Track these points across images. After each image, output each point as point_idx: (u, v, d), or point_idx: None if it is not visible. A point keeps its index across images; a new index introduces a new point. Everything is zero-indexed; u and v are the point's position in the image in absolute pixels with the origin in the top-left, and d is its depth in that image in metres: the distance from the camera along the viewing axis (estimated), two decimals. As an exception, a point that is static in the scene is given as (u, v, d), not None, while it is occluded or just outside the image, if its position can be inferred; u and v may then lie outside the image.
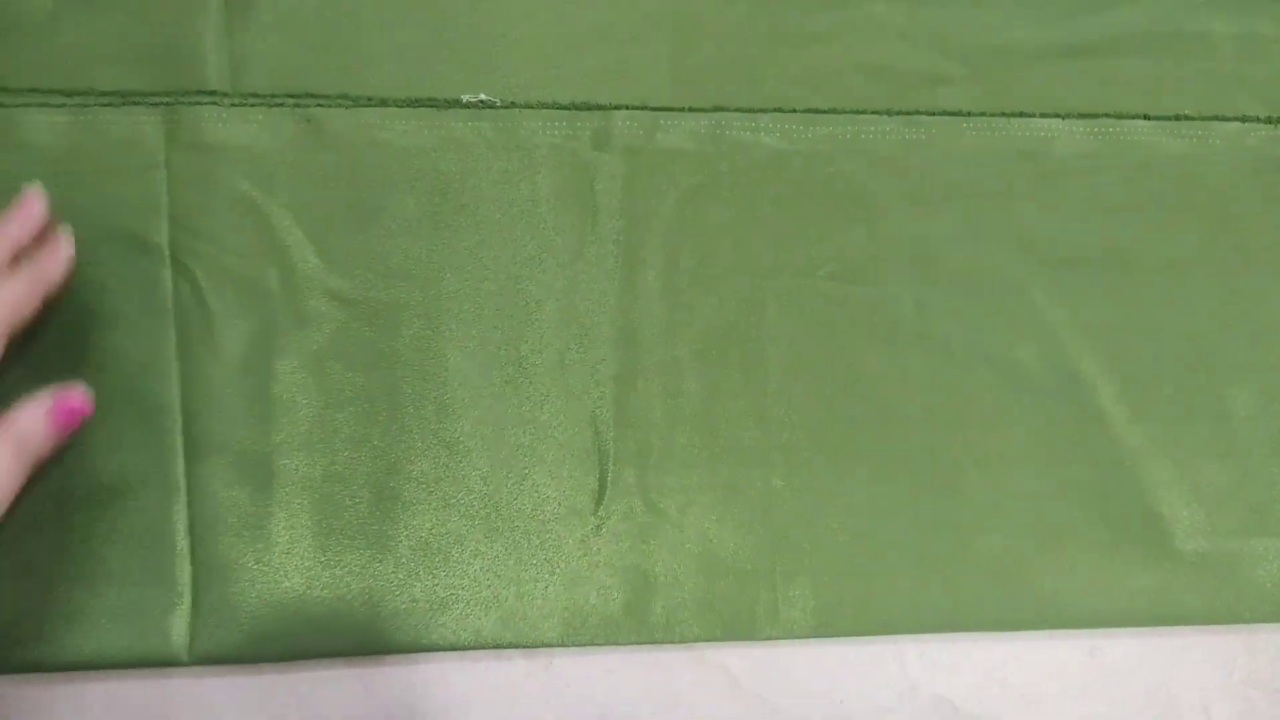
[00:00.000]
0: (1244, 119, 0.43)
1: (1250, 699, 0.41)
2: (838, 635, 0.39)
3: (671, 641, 0.38)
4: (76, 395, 0.33)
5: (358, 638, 0.36)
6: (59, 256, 0.34)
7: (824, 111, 0.41)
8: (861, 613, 0.38)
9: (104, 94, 0.38)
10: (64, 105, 0.38)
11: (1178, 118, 0.42)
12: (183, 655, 0.36)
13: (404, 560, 0.37)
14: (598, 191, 0.40)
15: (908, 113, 0.41)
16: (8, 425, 0.31)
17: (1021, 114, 0.42)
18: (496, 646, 0.37)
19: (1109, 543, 0.40)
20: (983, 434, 0.40)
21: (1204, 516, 0.40)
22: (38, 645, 0.35)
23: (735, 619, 0.38)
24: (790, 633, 0.38)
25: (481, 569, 0.37)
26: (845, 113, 0.41)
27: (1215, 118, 0.43)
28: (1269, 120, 0.43)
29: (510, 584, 0.37)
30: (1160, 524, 0.40)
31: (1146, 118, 0.42)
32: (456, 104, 0.40)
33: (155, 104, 0.38)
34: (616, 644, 0.38)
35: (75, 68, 0.38)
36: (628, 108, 0.41)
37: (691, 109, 0.41)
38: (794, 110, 0.41)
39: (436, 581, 0.37)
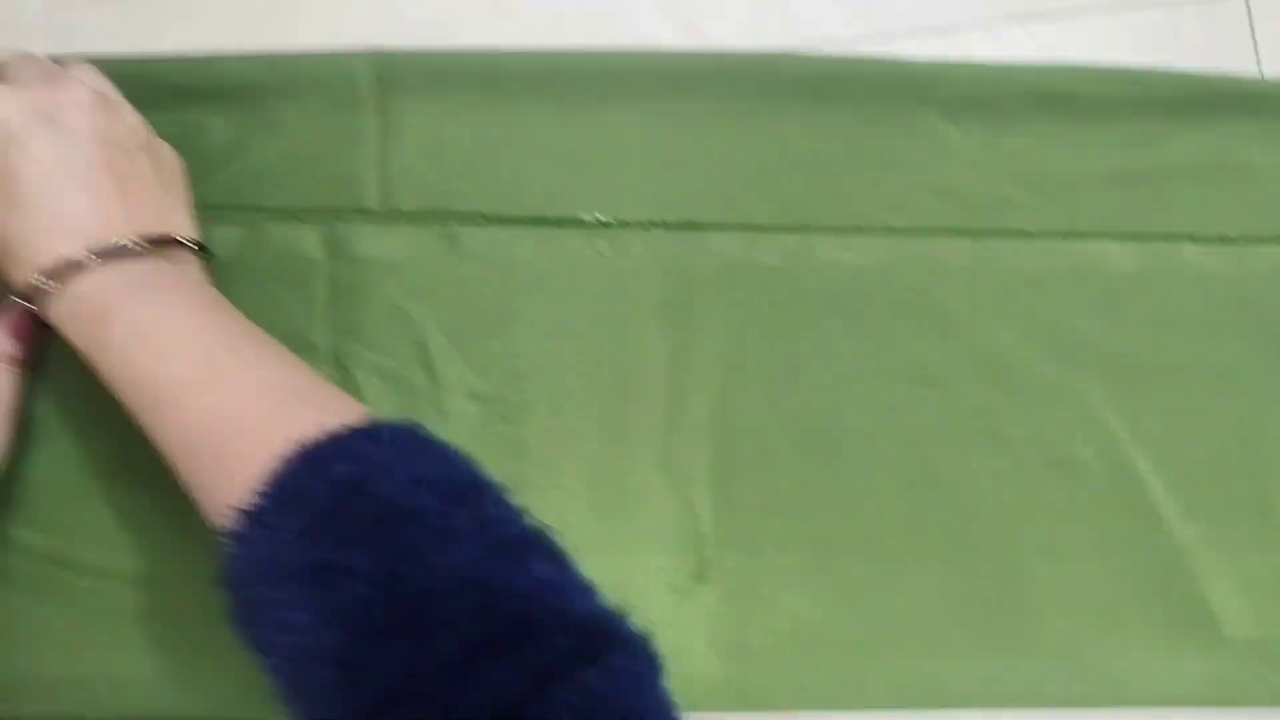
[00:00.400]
0: (1263, 240, 0.47)
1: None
2: (913, 708, 0.43)
3: (764, 709, 0.42)
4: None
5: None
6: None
7: (900, 231, 0.46)
8: (936, 688, 0.43)
9: (273, 210, 0.44)
10: (239, 221, 0.44)
11: (1222, 240, 0.47)
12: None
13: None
14: (696, 302, 0.45)
15: (977, 233, 0.46)
16: None
17: (1080, 235, 0.47)
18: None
19: (1163, 628, 0.44)
20: (1046, 526, 0.44)
21: (1251, 607, 0.44)
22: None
23: (823, 691, 0.42)
24: (871, 704, 0.42)
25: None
26: (920, 232, 0.46)
27: (1257, 240, 0.47)
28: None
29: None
30: (1210, 613, 0.44)
31: (1193, 240, 0.47)
32: (577, 222, 0.45)
33: (317, 221, 0.44)
34: (717, 711, 0.42)
35: (249, 187, 0.45)
36: (724, 227, 0.46)
37: (781, 228, 0.46)
38: (873, 230, 0.46)
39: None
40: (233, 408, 0.34)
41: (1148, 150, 0.48)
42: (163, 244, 0.37)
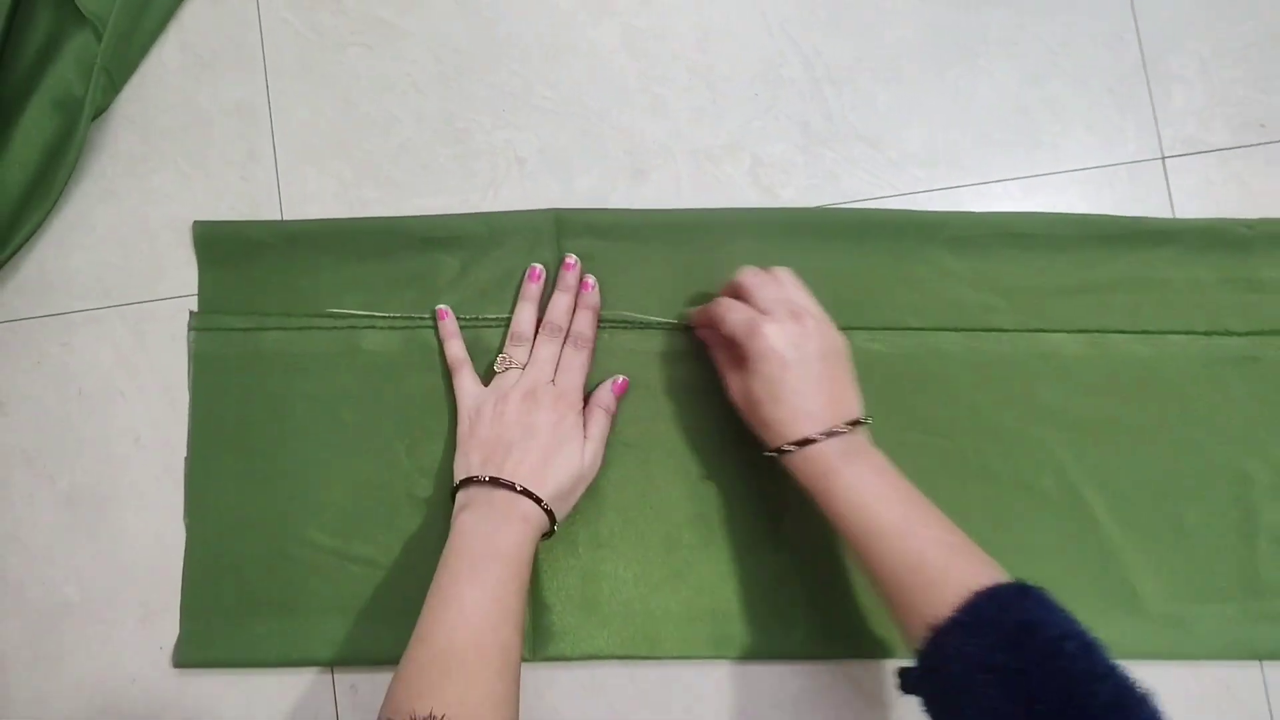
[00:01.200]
0: (1189, 332, 0.66)
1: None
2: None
3: (822, 657, 0.62)
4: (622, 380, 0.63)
5: (643, 648, 0.62)
6: (594, 306, 0.64)
7: (915, 329, 0.65)
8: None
9: (489, 320, 0.65)
10: (465, 326, 0.65)
11: (1144, 332, 0.65)
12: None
13: (662, 603, 0.62)
14: None
15: (969, 330, 0.66)
16: (595, 401, 0.62)
17: (1042, 330, 0.65)
18: (710, 657, 0.62)
19: (1101, 605, 0.62)
20: (1018, 534, 0.63)
21: (1165, 590, 0.63)
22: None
23: (876, 644, 0.62)
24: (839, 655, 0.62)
25: (704, 613, 0.62)
26: (928, 329, 0.65)
27: (1169, 331, 0.66)
28: (1206, 334, 0.66)
29: (721, 622, 0.62)
30: (1136, 594, 0.62)
31: (1122, 332, 0.65)
32: (650, 324, 0.65)
33: (465, 324, 0.65)
34: (787, 658, 0.62)
35: (471, 304, 0.65)
36: None
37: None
38: (896, 328, 0.65)
39: (676, 617, 0.62)
40: (920, 552, 0.50)
41: (1091, 271, 0.66)
42: (855, 424, 0.55)
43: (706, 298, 0.64)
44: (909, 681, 0.50)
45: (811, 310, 0.57)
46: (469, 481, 0.58)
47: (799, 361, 0.55)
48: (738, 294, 0.59)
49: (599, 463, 0.61)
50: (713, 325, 0.59)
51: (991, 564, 0.50)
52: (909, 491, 0.54)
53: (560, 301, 0.64)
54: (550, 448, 0.58)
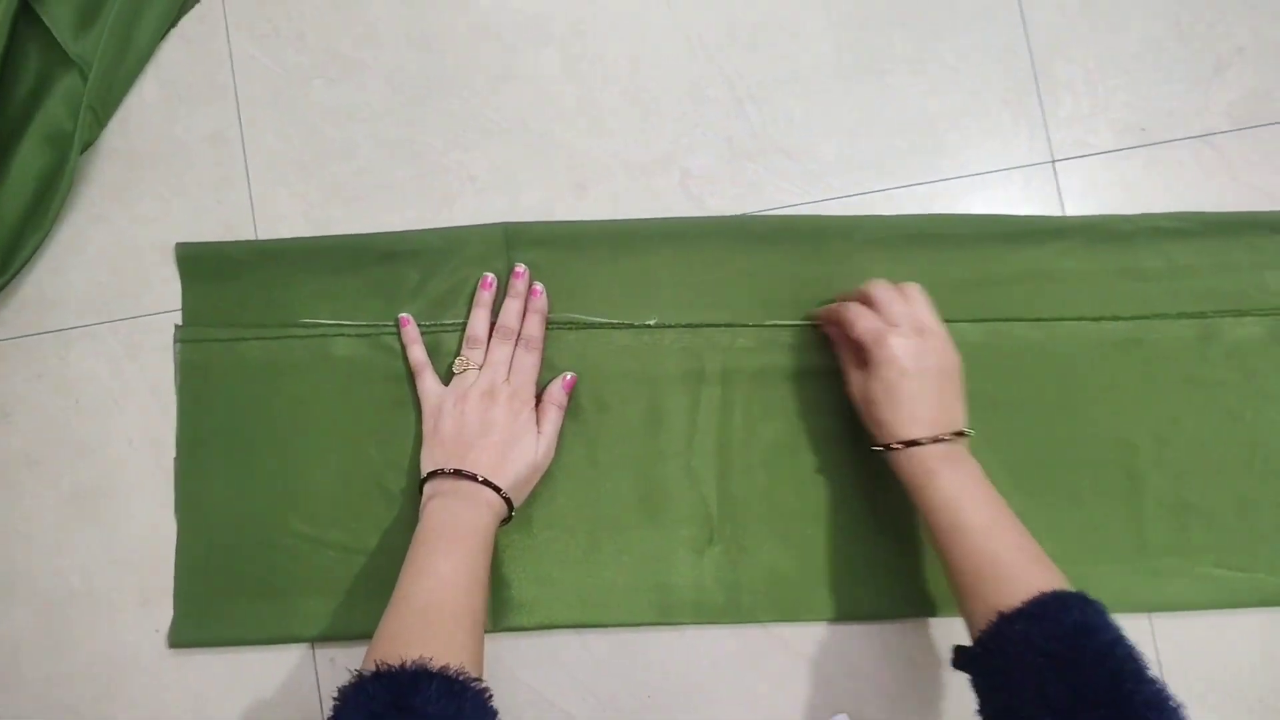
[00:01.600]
0: (1080, 319, 0.72)
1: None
2: (848, 620, 0.69)
3: (751, 622, 0.69)
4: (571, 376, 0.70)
5: (594, 616, 0.69)
6: (542, 310, 0.70)
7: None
8: (865, 607, 0.69)
9: (447, 325, 0.72)
10: (427, 332, 0.72)
11: (1040, 319, 0.72)
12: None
13: (609, 574, 0.69)
14: (705, 371, 0.71)
15: None
16: (547, 397, 0.68)
17: (947, 320, 0.71)
18: (652, 623, 0.69)
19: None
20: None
21: (1064, 551, 0.69)
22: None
23: (788, 609, 0.69)
24: (817, 616, 0.69)
25: (647, 582, 0.69)
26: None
27: (1063, 318, 0.72)
28: (1095, 319, 0.72)
29: (661, 589, 0.69)
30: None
31: (1020, 320, 0.72)
32: (638, 326, 0.72)
33: (425, 330, 0.71)
34: (721, 623, 0.69)
35: (432, 312, 0.72)
36: (721, 324, 0.72)
37: (758, 324, 0.72)
38: (813, 324, 0.72)
39: (624, 587, 0.69)
40: (999, 552, 0.57)
41: (990, 266, 0.72)
42: (959, 434, 0.62)
43: (816, 301, 0.72)
44: (964, 658, 0.57)
45: (934, 328, 0.64)
46: (436, 473, 0.65)
47: (917, 373, 0.62)
48: (867, 302, 0.65)
49: (552, 453, 0.68)
50: (841, 326, 0.66)
51: (1060, 575, 0.57)
52: (997, 500, 0.60)
53: (511, 307, 0.70)
54: (507, 442, 0.65)
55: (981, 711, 0.55)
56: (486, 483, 0.63)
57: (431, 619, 0.57)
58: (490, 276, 0.71)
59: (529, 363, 0.69)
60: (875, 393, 0.63)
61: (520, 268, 0.71)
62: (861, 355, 0.65)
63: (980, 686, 0.56)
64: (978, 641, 0.56)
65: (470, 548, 0.61)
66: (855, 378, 0.66)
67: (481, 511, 0.63)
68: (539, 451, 0.67)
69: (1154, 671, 0.51)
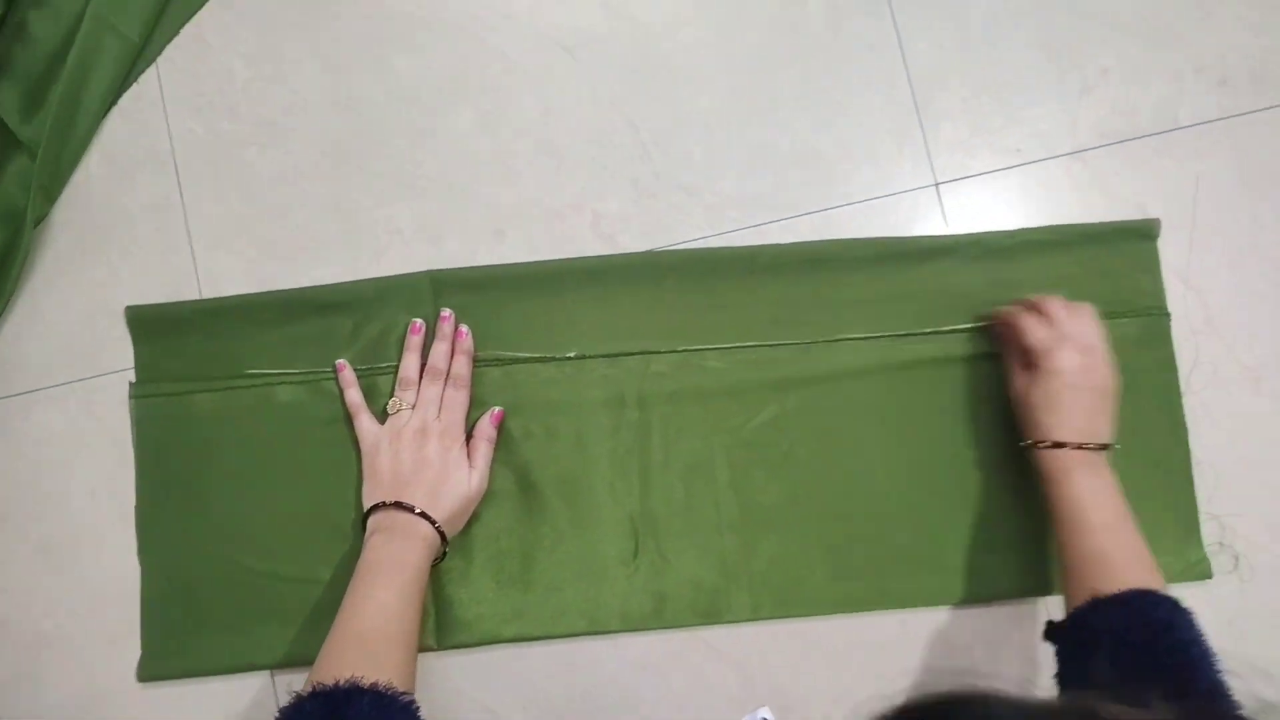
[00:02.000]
0: (969, 328, 0.78)
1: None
2: (763, 620, 0.75)
3: (674, 626, 0.75)
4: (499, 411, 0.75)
5: (531, 630, 0.74)
6: (469, 350, 0.75)
7: (742, 347, 0.78)
8: (766, 603, 0.75)
9: (381, 368, 0.77)
10: (363, 376, 0.77)
11: (932, 331, 0.77)
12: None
13: (543, 590, 0.75)
14: (626, 396, 0.77)
15: (780, 344, 0.77)
16: (477, 433, 0.73)
17: (842, 339, 0.77)
18: (585, 633, 0.74)
19: (911, 569, 0.76)
20: (828, 503, 0.76)
21: (963, 544, 0.76)
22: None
23: (709, 613, 0.75)
24: (738, 619, 0.75)
25: (579, 595, 0.75)
26: (750, 346, 0.77)
27: (953, 330, 0.78)
28: (984, 327, 0.78)
29: (592, 600, 0.75)
30: (911, 550, 0.76)
31: (912, 334, 0.77)
32: (559, 358, 0.77)
33: (361, 374, 0.76)
34: (648, 629, 0.75)
35: (365, 357, 0.77)
36: (634, 352, 0.77)
37: (669, 350, 0.77)
38: (723, 347, 0.78)
39: (559, 601, 0.75)
40: (1110, 550, 0.64)
41: (882, 284, 0.77)
42: (1103, 447, 0.68)
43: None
44: (1054, 631, 0.64)
45: (1100, 348, 0.70)
46: (377, 508, 0.70)
47: (1077, 387, 0.69)
48: (1042, 314, 0.72)
49: (485, 485, 0.74)
50: (1014, 331, 0.72)
51: (1160, 580, 0.63)
52: (1120, 507, 0.67)
53: (439, 349, 0.76)
54: (441, 477, 0.71)
55: (1059, 676, 0.62)
56: (424, 515, 0.68)
57: (367, 643, 0.62)
58: (419, 322, 0.77)
59: (458, 400, 0.74)
60: (1036, 396, 0.69)
61: (446, 312, 0.77)
62: (1028, 359, 0.71)
63: (1063, 655, 0.63)
64: (1070, 617, 0.63)
65: (405, 579, 0.66)
66: (1019, 378, 0.72)
67: (417, 546, 0.68)
68: (471, 485, 0.72)
69: (1223, 673, 0.57)
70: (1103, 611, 0.60)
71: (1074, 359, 0.69)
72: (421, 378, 0.75)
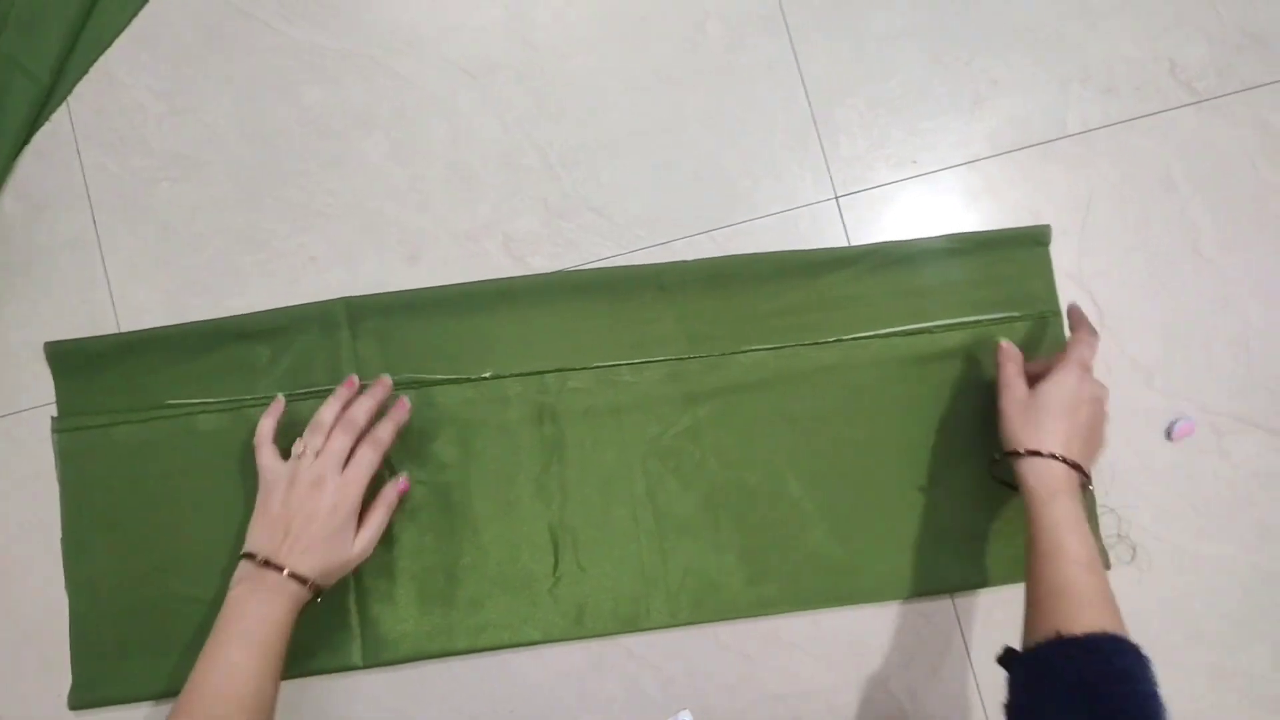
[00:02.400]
0: (870, 336, 0.81)
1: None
2: (682, 625, 0.77)
3: (595, 636, 0.77)
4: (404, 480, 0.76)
5: (456, 644, 0.77)
6: (399, 420, 0.75)
7: (653, 362, 0.80)
8: (684, 608, 0.77)
9: (300, 394, 0.79)
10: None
11: (832, 341, 0.80)
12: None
13: (466, 605, 0.77)
14: (544, 414, 0.79)
15: (694, 358, 0.80)
16: (380, 498, 0.73)
17: (746, 350, 0.80)
18: (509, 646, 0.77)
19: (801, 558, 0.79)
20: (741, 509, 0.79)
21: (866, 546, 0.79)
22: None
23: (629, 620, 0.77)
24: (657, 625, 0.77)
25: (501, 608, 0.77)
26: (665, 360, 0.80)
27: (853, 338, 0.81)
28: (884, 336, 0.81)
29: (515, 613, 0.77)
30: (821, 551, 0.79)
31: (815, 344, 0.80)
32: (476, 379, 0.79)
33: (291, 399, 0.78)
34: (568, 639, 0.77)
35: (285, 384, 0.79)
36: (552, 370, 0.79)
37: (585, 366, 0.80)
38: (637, 363, 0.80)
39: (482, 615, 0.77)
40: (1083, 584, 0.63)
41: (785, 297, 0.80)
42: (1085, 480, 0.70)
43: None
44: (1010, 659, 0.64)
45: (1105, 405, 0.73)
46: (249, 556, 0.68)
47: (1094, 413, 0.72)
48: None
49: (371, 549, 0.72)
50: (1077, 338, 0.74)
51: (1123, 625, 0.63)
52: (1094, 547, 0.67)
53: (363, 403, 0.73)
54: (325, 534, 0.68)
55: (1008, 706, 0.62)
56: (293, 575, 0.67)
57: (216, 706, 0.63)
58: (354, 378, 0.76)
59: (367, 460, 0.71)
60: (1049, 399, 0.71)
61: (386, 378, 0.77)
62: (1032, 370, 0.75)
63: (1016, 686, 0.62)
64: (1031, 650, 0.62)
65: (264, 636, 0.65)
66: (1015, 387, 0.73)
67: (282, 603, 0.67)
68: (354, 550, 0.70)
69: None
70: (1067, 650, 0.60)
71: (1101, 390, 0.72)
72: (334, 426, 0.72)
